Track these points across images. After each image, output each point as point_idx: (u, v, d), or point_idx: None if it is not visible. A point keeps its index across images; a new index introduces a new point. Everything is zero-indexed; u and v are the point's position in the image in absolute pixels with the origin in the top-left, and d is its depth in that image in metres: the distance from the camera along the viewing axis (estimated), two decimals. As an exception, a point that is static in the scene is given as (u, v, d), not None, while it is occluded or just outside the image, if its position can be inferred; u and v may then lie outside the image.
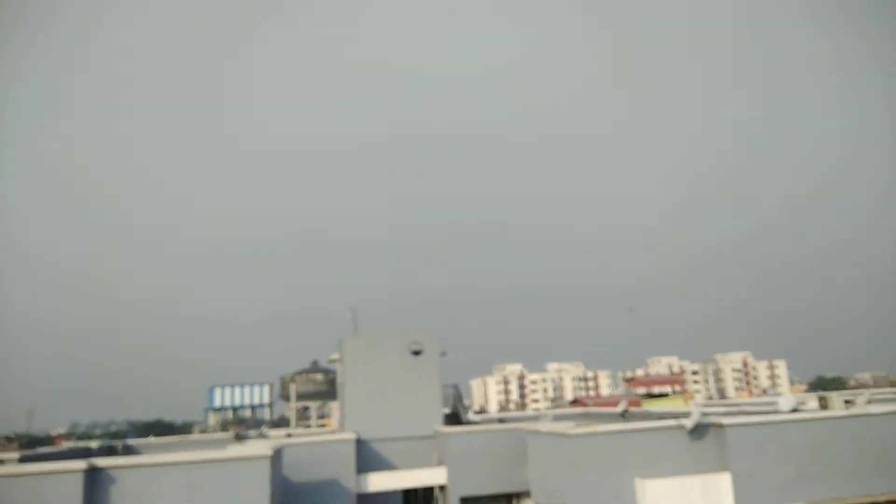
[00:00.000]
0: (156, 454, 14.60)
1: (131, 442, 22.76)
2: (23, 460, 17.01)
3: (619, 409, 23.64)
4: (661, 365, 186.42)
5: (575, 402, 76.94)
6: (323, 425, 55.96)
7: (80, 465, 12.19)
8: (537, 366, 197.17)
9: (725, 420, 14.80)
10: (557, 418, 22.73)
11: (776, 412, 16.89)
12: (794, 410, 17.01)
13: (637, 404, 32.43)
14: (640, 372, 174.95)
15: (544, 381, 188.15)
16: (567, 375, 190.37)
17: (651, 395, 73.06)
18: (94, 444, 22.65)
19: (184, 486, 12.54)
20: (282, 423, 77.32)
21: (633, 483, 14.37)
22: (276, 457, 14.21)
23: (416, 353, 21.10)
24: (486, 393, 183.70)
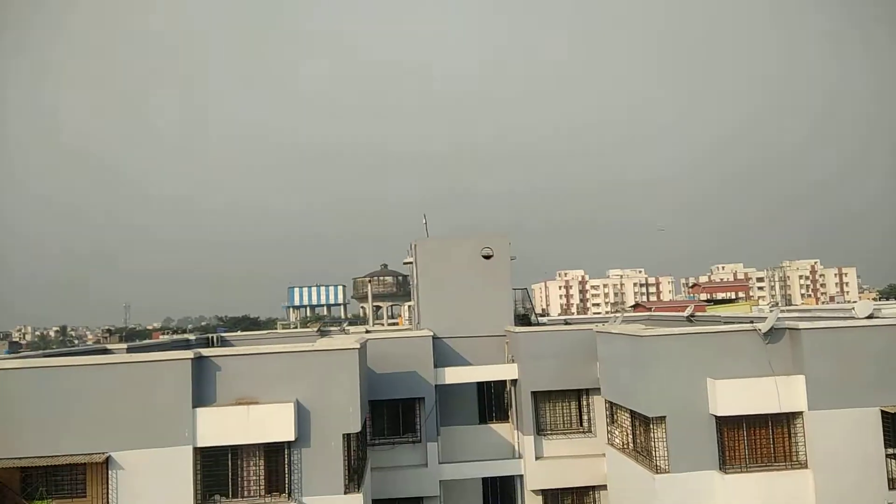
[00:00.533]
0: (249, 345, 15.81)
1: (224, 335, 24.58)
2: (130, 350, 18.74)
3: (686, 313, 23.75)
4: (725, 272, 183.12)
5: (637, 307, 77.27)
6: (394, 324, 58.57)
7: (189, 354, 13.41)
8: (599, 272, 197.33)
9: (802, 324, 14.80)
10: (626, 321, 23.06)
11: (852, 318, 16.70)
12: (870, 316, 16.76)
13: (702, 310, 32.41)
14: (703, 279, 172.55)
15: (605, 286, 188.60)
16: (629, 281, 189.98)
17: (715, 301, 72.59)
18: (190, 337, 24.61)
19: (283, 373, 13.68)
20: (356, 321, 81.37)
21: (705, 382, 14.76)
22: (363, 349, 15.21)
23: (487, 257, 21.56)
24: (548, 297, 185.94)
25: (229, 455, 13.58)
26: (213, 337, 23.63)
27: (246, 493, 13.66)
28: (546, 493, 19.60)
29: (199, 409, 13.21)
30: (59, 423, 12.91)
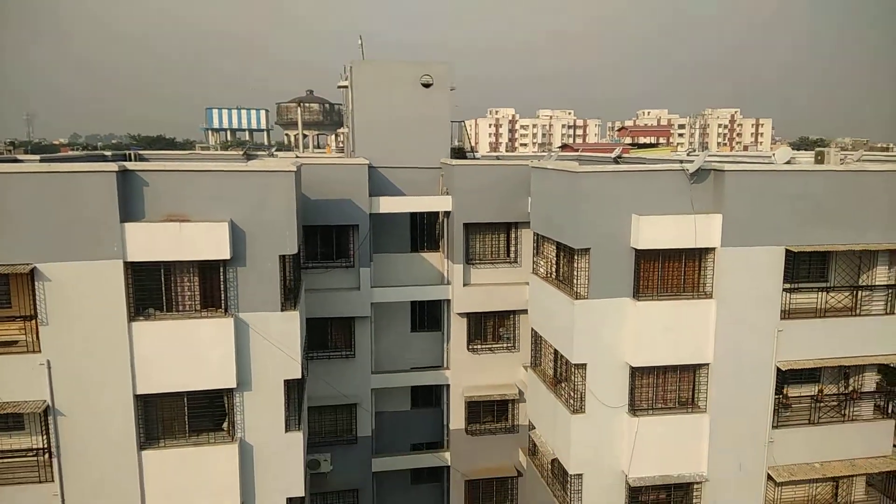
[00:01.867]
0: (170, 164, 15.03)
1: (141, 152, 23.28)
2: (44, 161, 17.50)
3: (614, 154, 24.31)
4: (650, 117, 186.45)
5: (565, 148, 78.44)
6: (322, 154, 57.29)
7: (113, 166, 12.70)
8: (529, 112, 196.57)
9: (727, 166, 15.46)
10: (560, 159, 23.42)
11: (770, 164, 17.56)
12: (788, 162, 17.68)
13: (626, 153, 33.21)
14: (629, 123, 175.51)
15: (535, 126, 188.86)
16: (557, 122, 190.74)
17: (638, 145, 74.52)
18: (106, 153, 23.17)
19: (216, 192, 13.28)
20: (282, 149, 79.14)
21: (630, 218, 15.49)
22: (298, 173, 14.87)
23: (427, 85, 20.84)
24: (477, 135, 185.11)
25: (161, 271, 13.46)
26: (130, 153, 22.33)
27: (180, 307, 13.78)
28: (470, 316, 20.89)
29: (127, 224, 12.81)
30: (-25, 233, 12.26)
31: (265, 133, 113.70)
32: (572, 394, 16.55)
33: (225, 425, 14.43)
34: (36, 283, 12.60)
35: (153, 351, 13.37)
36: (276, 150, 35.81)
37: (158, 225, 13.02)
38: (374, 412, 21.28)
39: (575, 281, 16.16)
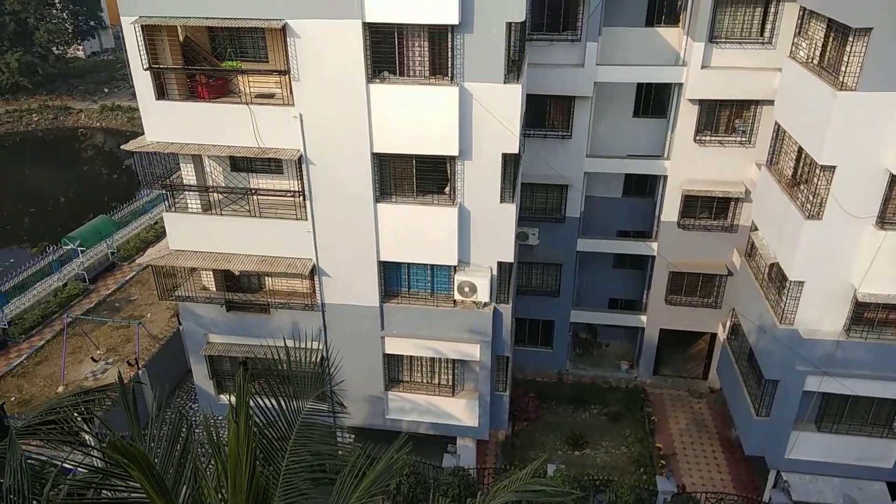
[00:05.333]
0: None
1: None
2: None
3: None
4: None
5: None
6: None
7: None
8: None
9: None
10: None
11: None
12: None
13: None
14: None
15: None
16: None
17: None
18: None
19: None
20: None
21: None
22: (533, -72, 13.54)
23: None
24: None
25: (396, 34, 13.76)
26: None
27: (412, 72, 14.23)
28: (703, 103, 19.07)
29: (364, -17, 12.98)
30: (237, -12, 13.29)
31: None
32: (811, 197, 15.00)
33: (447, 189, 15.47)
34: (288, 40, 13.64)
35: (387, 113, 14.25)
36: None
37: (391, -16, 12.99)
38: (585, 195, 21.34)
39: (843, 69, 13.72)
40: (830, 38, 14.74)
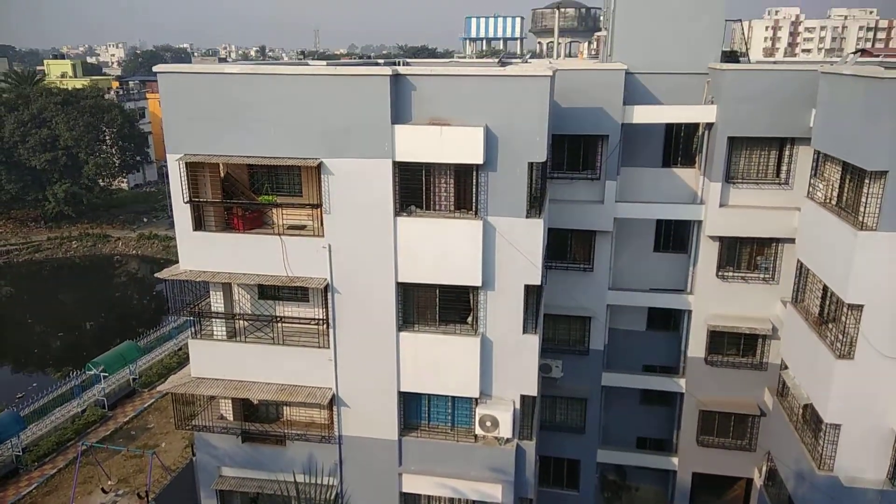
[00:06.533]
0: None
1: (409, 61, 24.81)
2: (329, 64, 19.49)
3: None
4: None
5: (863, 53, 66.04)
6: (572, 62, 56.14)
7: (387, 70, 13.67)
8: (817, 12, 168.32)
9: None
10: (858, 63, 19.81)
11: None
12: None
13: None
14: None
15: (822, 29, 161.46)
16: (854, 24, 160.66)
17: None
18: (379, 61, 25.15)
19: (474, 96, 13.68)
20: (534, 56, 79.49)
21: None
22: (553, 78, 14.63)
23: (699, -22, 18.70)
24: (750, 39, 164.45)
25: (423, 171, 14.47)
26: (399, 61, 23.94)
27: (437, 206, 14.79)
28: (723, 240, 19.31)
29: (396, 126, 13.85)
30: (277, 128, 14.23)
31: (518, 42, 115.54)
32: (840, 336, 14.68)
33: (469, 319, 15.50)
34: (322, 177, 14.39)
35: (413, 244, 14.64)
36: (530, 58, 35.64)
37: (423, 128, 13.86)
38: (608, 327, 21.17)
39: (862, 209, 13.94)
40: (847, 180, 15.11)
